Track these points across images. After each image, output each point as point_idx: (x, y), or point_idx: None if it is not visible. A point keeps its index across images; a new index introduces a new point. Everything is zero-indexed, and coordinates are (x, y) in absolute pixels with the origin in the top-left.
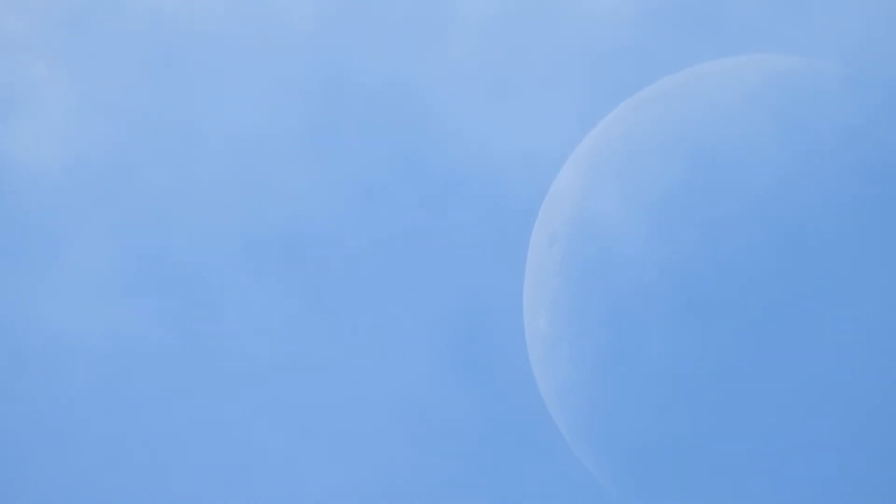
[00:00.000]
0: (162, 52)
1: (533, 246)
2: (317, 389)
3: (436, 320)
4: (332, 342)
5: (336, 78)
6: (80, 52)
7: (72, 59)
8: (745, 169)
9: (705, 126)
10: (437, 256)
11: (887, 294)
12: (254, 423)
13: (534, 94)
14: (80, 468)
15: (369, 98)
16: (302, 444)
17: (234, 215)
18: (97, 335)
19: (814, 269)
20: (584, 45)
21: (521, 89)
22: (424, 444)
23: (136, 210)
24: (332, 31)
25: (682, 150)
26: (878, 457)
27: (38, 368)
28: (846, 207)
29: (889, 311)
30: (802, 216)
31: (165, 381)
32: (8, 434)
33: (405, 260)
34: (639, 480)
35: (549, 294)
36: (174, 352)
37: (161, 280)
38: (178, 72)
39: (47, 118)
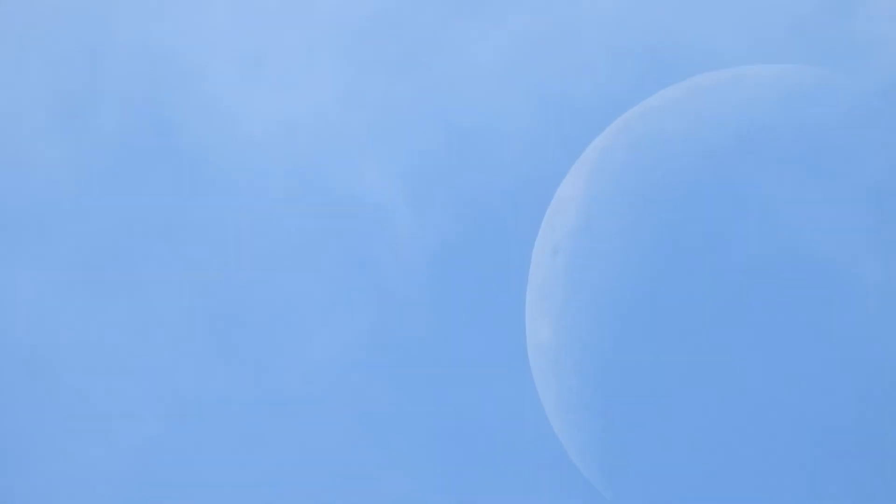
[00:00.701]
0: None
1: (536, 257)
2: (81, 372)
3: (192, 309)
4: (88, 321)
5: (92, 46)
6: None
7: None
8: (749, 175)
9: (709, 135)
10: (193, 230)
11: None
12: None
13: (292, 66)
14: None
15: (127, 67)
16: (80, 430)
17: None
18: None
19: (830, 274)
20: (342, 17)
21: (279, 60)
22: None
23: None
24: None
25: (686, 159)
26: None
27: None
28: (852, 213)
29: None
30: (810, 221)
31: None
32: None
33: (157, 235)
34: (642, 493)
35: (552, 305)
36: None
37: None
38: None
39: None
